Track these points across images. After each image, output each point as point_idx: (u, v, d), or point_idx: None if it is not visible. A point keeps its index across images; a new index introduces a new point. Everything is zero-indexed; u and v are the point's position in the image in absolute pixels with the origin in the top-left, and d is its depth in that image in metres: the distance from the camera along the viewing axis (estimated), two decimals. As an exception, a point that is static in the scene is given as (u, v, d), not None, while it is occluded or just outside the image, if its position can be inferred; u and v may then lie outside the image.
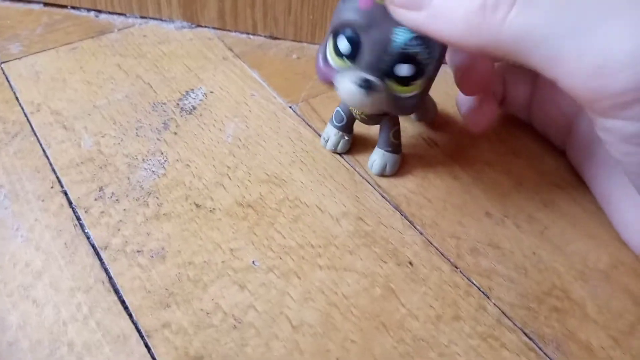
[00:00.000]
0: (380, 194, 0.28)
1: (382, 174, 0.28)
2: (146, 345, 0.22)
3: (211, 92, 0.33)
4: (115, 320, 0.23)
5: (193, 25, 0.39)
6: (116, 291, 0.24)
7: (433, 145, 0.30)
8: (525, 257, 0.25)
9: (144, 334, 0.22)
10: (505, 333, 0.23)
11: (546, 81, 0.26)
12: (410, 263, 0.25)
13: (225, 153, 0.29)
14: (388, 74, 0.23)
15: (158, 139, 0.30)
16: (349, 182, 0.28)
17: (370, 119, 0.28)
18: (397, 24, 0.21)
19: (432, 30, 0.19)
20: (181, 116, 0.31)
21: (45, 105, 0.32)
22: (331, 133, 0.29)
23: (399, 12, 0.21)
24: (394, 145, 0.28)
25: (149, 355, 0.22)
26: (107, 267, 0.24)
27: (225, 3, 0.37)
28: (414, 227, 0.26)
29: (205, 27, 0.39)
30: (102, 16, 0.39)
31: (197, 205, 0.27)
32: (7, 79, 0.34)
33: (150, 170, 0.28)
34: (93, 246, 0.25)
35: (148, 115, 0.31)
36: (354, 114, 0.28)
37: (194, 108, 0.32)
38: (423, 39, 0.22)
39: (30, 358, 0.22)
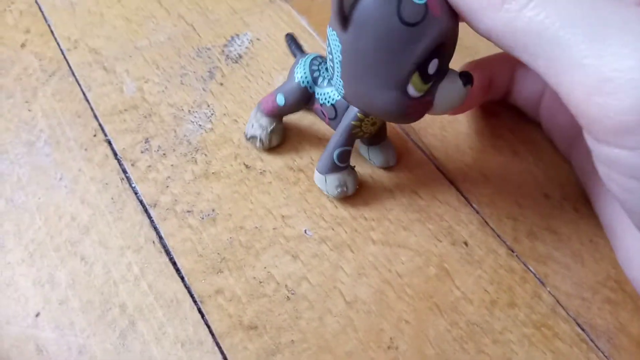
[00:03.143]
0: (435, 166, 0.27)
1: (387, 166, 0.26)
2: (200, 311, 0.22)
3: (257, 39, 0.31)
4: (168, 283, 0.22)
5: (235, -40, 0.36)
6: (167, 252, 0.23)
7: (493, 116, 0.29)
8: (582, 244, 0.25)
9: (197, 299, 0.22)
10: (559, 323, 0.23)
11: None
12: (466, 243, 0.24)
13: (275, 110, 0.28)
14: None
15: (204, 89, 0.28)
16: (402, 151, 0.27)
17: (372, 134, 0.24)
18: None
19: None
20: (227, 64, 0.30)
21: (82, 41, 0.30)
22: (346, 179, 0.24)
23: None
24: (384, 133, 0.26)
25: (202, 322, 0.22)
26: (157, 226, 0.24)
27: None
28: (470, 204, 0.26)
29: (248, -38, 0.36)
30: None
31: (247, 166, 0.26)
32: (40, 8, 0.31)
33: (197, 123, 0.27)
34: (141, 202, 0.24)
35: (192, 62, 0.30)
36: (362, 140, 0.25)
37: (240, 56, 0.30)
38: None
39: (81, 319, 0.21)
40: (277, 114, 0.25)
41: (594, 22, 0.15)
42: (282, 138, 0.27)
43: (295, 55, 0.26)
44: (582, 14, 0.15)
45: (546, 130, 0.28)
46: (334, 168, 0.24)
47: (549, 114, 0.27)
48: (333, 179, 0.24)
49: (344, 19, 0.18)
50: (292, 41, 0.26)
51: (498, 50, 0.20)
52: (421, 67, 0.19)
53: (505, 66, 0.26)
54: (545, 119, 0.27)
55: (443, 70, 0.20)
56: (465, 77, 0.20)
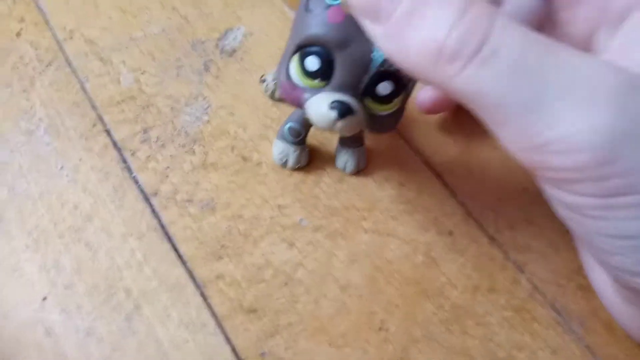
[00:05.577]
0: (422, 160, 0.28)
1: (357, 171, 0.27)
2: (202, 295, 0.23)
3: (251, 33, 0.32)
4: (170, 269, 0.23)
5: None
6: (169, 239, 0.24)
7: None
8: (557, 235, 0.27)
9: (199, 284, 0.23)
10: (536, 307, 0.24)
11: None
12: (450, 233, 0.26)
13: (269, 104, 0.29)
14: (367, 93, 0.21)
15: (199, 82, 0.29)
16: (391, 146, 0.29)
17: None
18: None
19: (386, 49, 0.17)
20: (221, 58, 0.31)
21: (78, 32, 0.30)
22: (289, 151, 0.26)
23: (355, 15, 0.18)
24: (360, 139, 0.27)
25: (205, 305, 0.23)
26: (159, 214, 0.25)
27: None
28: (455, 197, 0.27)
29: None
30: None
31: (244, 158, 0.27)
32: (33, -3, 0.32)
33: (194, 115, 0.28)
34: (142, 192, 0.25)
35: (187, 54, 0.30)
36: (339, 140, 0.26)
37: (234, 50, 0.31)
38: None
39: (87, 302, 0.22)
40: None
41: (532, 88, 0.15)
42: None
43: None
44: (519, 81, 0.15)
45: None
46: (283, 137, 0.26)
47: None
48: (279, 147, 0.26)
49: None
50: None
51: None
52: (301, 54, 0.20)
53: None
54: None
55: (333, 82, 0.20)
56: (337, 106, 0.20)
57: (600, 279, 0.23)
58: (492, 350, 0.23)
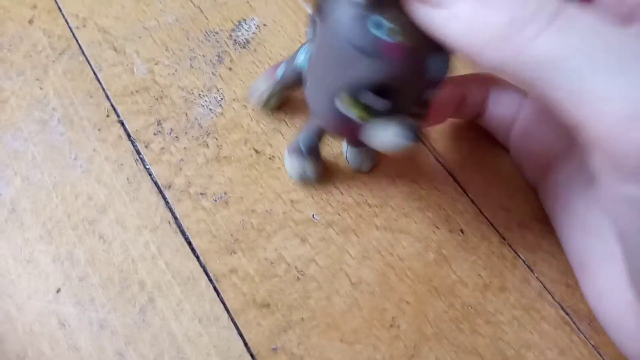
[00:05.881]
0: (435, 157, 0.28)
1: (371, 169, 0.27)
2: (215, 289, 0.23)
3: (264, 24, 0.32)
4: (184, 262, 0.24)
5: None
6: (182, 233, 0.24)
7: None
8: (567, 235, 0.27)
9: (212, 278, 0.23)
10: (545, 306, 0.25)
11: (533, 109, 0.24)
12: (462, 231, 0.26)
13: (282, 97, 0.29)
14: (415, 102, 0.20)
15: (213, 74, 0.29)
16: (404, 141, 0.29)
17: None
18: (428, 54, 0.18)
19: (449, 34, 0.16)
20: (235, 50, 0.30)
21: (91, 20, 0.30)
22: (305, 165, 0.25)
23: (412, 5, 0.17)
24: None
25: (218, 299, 0.23)
26: (172, 207, 0.25)
27: None
28: (467, 194, 0.27)
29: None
30: None
31: (257, 151, 0.27)
32: (46, -16, 0.31)
33: (207, 107, 0.28)
34: (156, 184, 0.25)
35: (201, 45, 0.30)
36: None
37: (248, 42, 0.31)
38: (450, 60, 0.19)
39: (101, 295, 0.23)
40: (276, 82, 0.26)
41: (621, 53, 0.14)
42: (278, 103, 0.28)
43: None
44: (606, 45, 0.14)
45: (514, 157, 0.28)
46: (296, 151, 0.25)
47: (520, 141, 0.26)
48: (294, 162, 0.25)
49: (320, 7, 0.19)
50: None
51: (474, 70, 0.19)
52: (352, 91, 0.19)
53: (480, 88, 0.26)
54: (515, 145, 0.27)
55: (392, 109, 0.19)
56: (412, 136, 0.19)
57: (613, 306, 0.21)
58: (501, 348, 0.23)
